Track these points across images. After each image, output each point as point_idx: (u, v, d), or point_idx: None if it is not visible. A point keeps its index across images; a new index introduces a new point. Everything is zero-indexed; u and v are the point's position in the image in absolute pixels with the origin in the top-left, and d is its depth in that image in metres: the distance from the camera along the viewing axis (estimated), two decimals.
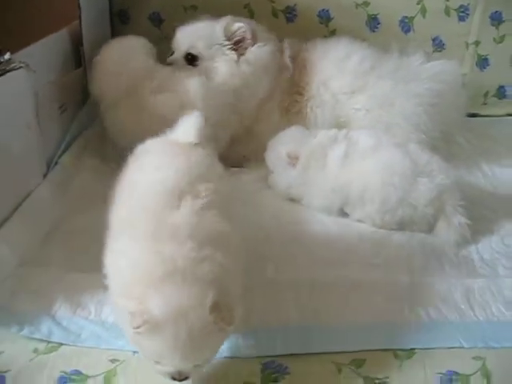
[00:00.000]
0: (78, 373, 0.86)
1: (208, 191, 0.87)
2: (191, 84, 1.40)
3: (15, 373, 0.86)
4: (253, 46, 1.52)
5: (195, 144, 0.99)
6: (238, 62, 1.50)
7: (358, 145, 1.29)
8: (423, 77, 1.53)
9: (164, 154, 0.97)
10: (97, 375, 0.86)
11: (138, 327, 0.71)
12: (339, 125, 1.49)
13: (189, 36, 1.53)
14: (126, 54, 1.43)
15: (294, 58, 1.60)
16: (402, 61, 1.58)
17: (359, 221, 1.26)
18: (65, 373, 0.86)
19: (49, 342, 0.92)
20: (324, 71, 1.56)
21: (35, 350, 0.90)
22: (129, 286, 0.76)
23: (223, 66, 1.50)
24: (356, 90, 1.52)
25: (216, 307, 0.73)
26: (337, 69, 1.55)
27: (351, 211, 1.27)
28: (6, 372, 0.85)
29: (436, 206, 1.21)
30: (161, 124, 1.29)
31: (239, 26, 1.50)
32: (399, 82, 1.51)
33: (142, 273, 0.76)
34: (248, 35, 1.51)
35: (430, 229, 1.23)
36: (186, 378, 0.77)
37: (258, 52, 1.52)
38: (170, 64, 1.52)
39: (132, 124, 1.36)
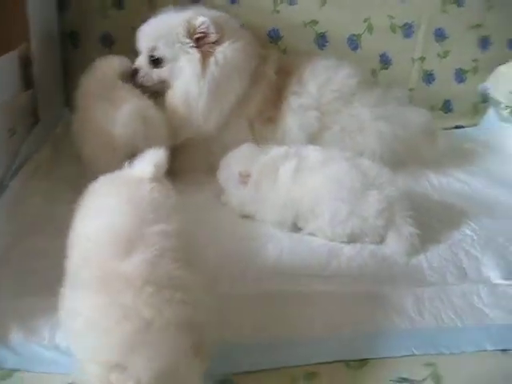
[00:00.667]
0: None
1: (161, 235, 0.80)
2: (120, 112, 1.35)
3: None
4: (220, 43, 1.45)
5: (150, 179, 0.92)
6: (203, 61, 1.43)
7: (308, 160, 1.31)
8: (397, 120, 1.59)
9: (111, 195, 0.89)
10: None
11: None
12: (309, 136, 1.54)
13: (149, 35, 1.47)
14: (96, 75, 1.45)
15: (279, 71, 1.59)
16: (383, 97, 1.63)
17: (311, 234, 1.28)
18: None
19: (2, 369, 0.90)
20: (309, 80, 1.57)
21: None
22: (96, 350, 0.68)
23: (187, 67, 1.44)
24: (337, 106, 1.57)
25: (197, 350, 0.70)
26: (324, 79, 1.58)
27: (304, 225, 1.29)
28: None
29: (386, 217, 1.24)
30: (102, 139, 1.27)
31: (201, 20, 1.42)
32: (377, 115, 1.56)
33: (108, 334, 0.68)
34: (211, 30, 1.43)
35: (382, 240, 1.26)
36: None
37: (227, 51, 1.46)
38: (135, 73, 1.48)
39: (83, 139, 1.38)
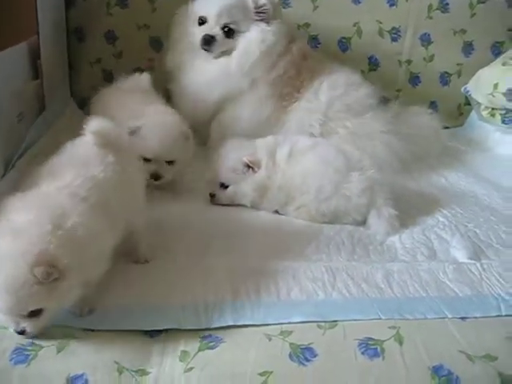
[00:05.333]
0: (33, 343, 0.93)
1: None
2: None
3: None
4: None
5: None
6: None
7: (298, 144, 1.42)
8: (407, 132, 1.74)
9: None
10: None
11: None
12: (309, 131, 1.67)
13: (225, 10, 1.66)
14: None
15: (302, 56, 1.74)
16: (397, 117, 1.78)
17: (295, 216, 1.39)
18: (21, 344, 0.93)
19: None
20: (330, 85, 1.72)
21: None
22: None
23: (256, 35, 1.66)
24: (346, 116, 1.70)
25: (38, 263, 0.83)
26: (340, 93, 1.72)
27: (288, 208, 1.40)
28: None
29: (368, 196, 1.35)
30: None
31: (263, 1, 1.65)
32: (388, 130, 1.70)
33: None
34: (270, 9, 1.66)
35: (363, 220, 1.36)
36: (23, 333, 0.89)
37: (276, 29, 1.68)
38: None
39: None
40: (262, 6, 1.65)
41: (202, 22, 1.68)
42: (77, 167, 1.00)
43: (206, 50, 1.67)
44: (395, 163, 1.66)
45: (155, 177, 1.42)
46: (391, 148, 1.67)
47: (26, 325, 0.89)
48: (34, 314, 0.88)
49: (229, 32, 1.66)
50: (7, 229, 0.87)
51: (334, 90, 1.71)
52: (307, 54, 1.77)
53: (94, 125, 1.06)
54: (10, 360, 0.91)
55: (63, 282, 0.86)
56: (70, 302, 0.94)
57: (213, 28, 1.66)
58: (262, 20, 1.66)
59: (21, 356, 0.91)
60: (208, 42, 1.65)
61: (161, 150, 1.41)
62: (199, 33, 1.67)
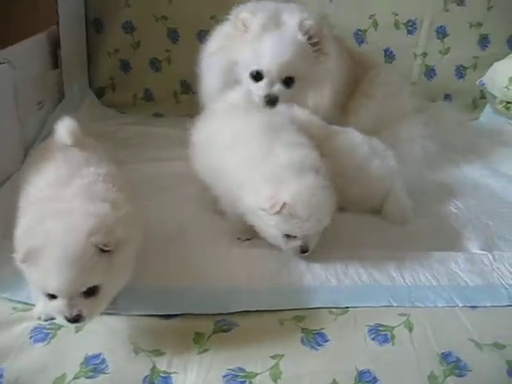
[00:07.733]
0: (52, 323, 0.97)
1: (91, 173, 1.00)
2: None
3: None
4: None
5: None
6: None
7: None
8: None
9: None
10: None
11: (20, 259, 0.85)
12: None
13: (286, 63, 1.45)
14: None
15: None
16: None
17: None
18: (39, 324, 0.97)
19: (26, 304, 1.02)
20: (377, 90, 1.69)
21: (14, 308, 1.01)
22: None
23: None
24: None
25: (96, 231, 0.84)
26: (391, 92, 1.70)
27: None
28: None
29: (386, 185, 1.36)
30: None
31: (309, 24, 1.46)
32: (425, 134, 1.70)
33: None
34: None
35: (380, 209, 1.37)
36: (78, 318, 0.86)
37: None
38: None
39: None
40: (310, 30, 1.44)
41: (259, 76, 1.46)
42: (86, 167, 1.01)
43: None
44: (422, 159, 1.66)
45: (303, 251, 1.15)
46: (428, 152, 1.67)
47: (83, 307, 0.85)
48: (91, 292, 0.86)
49: (289, 82, 1.47)
50: (54, 210, 0.88)
51: (385, 87, 1.69)
52: (354, 53, 1.72)
53: (66, 125, 1.10)
54: (30, 338, 0.94)
55: (119, 254, 0.88)
56: (125, 279, 0.94)
57: (273, 84, 1.45)
58: (318, 51, 1.47)
59: (40, 334, 0.95)
60: (272, 102, 1.45)
61: (317, 224, 1.13)
62: (256, 89, 1.46)
